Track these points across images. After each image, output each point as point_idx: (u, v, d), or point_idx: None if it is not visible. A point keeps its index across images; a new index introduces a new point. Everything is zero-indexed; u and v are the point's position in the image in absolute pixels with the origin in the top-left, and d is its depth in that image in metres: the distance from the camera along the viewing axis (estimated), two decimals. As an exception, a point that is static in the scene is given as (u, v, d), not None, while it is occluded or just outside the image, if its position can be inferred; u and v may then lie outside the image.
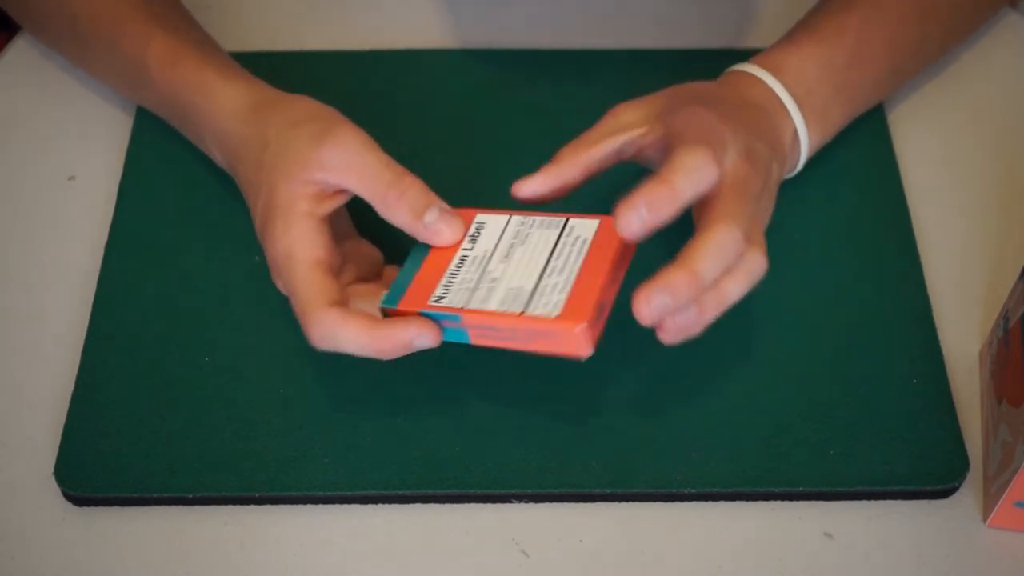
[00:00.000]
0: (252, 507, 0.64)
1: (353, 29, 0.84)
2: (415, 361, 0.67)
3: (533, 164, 0.75)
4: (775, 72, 0.70)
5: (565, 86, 0.80)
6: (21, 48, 0.83)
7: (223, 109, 0.69)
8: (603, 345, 0.68)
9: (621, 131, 0.67)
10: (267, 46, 0.82)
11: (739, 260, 0.60)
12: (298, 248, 0.62)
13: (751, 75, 0.71)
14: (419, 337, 0.61)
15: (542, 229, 0.63)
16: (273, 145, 0.65)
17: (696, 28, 0.84)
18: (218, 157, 0.71)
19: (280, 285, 0.65)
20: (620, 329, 0.69)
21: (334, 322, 0.61)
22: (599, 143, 0.66)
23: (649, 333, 0.68)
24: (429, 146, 0.77)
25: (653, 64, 0.81)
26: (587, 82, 0.80)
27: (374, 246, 0.68)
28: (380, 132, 0.77)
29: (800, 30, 0.74)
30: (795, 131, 0.70)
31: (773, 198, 0.67)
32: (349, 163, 0.63)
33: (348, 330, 0.61)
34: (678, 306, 0.59)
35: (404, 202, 0.63)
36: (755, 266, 0.61)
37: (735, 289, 0.61)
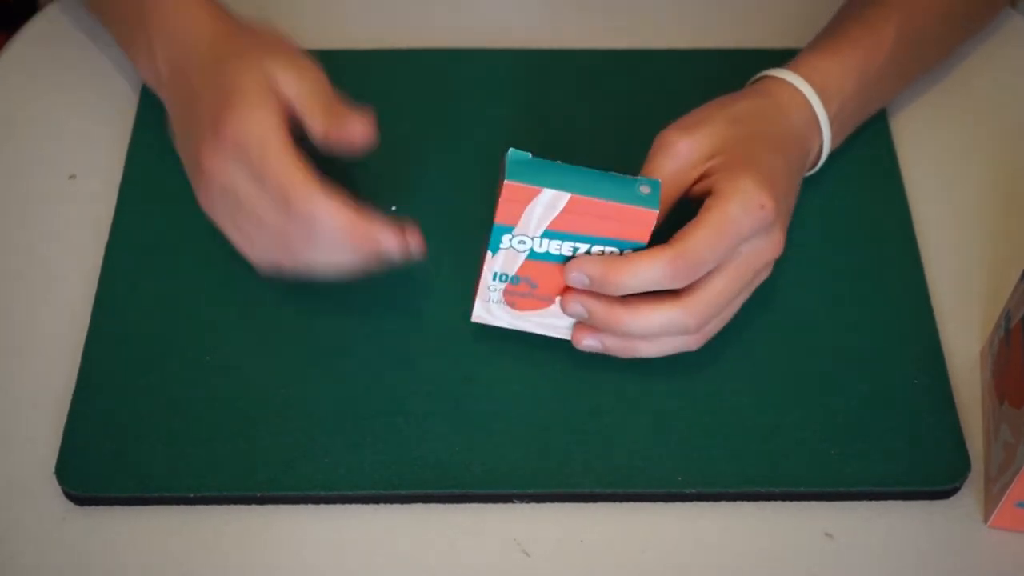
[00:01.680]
0: (253, 507, 0.64)
1: (353, 28, 0.84)
2: (416, 361, 0.67)
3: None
4: (819, 90, 0.69)
5: (566, 86, 0.80)
6: (21, 47, 0.83)
7: (193, 24, 0.68)
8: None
9: (684, 172, 0.65)
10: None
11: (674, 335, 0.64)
12: (276, 135, 0.62)
13: (795, 90, 0.69)
14: (389, 240, 0.62)
15: None
16: (265, 42, 0.67)
17: (702, 27, 0.84)
18: (160, 54, 0.70)
19: (216, 194, 0.64)
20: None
21: (321, 198, 0.61)
22: (671, 200, 0.65)
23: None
24: (430, 146, 0.77)
25: (656, 64, 0.81)
26: (589, 82, 0.80)
27: None
28: (380, 131, 0.77)
29: (840, 38, 0.72)
30: (821, 147, 0.71)
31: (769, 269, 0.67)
32: (314, 86, 0.65)
33: (331, 212, 0.61)
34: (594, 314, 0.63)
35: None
36: (682, 346, 0.64)
37: (648, 349, 0.64)
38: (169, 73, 0.69)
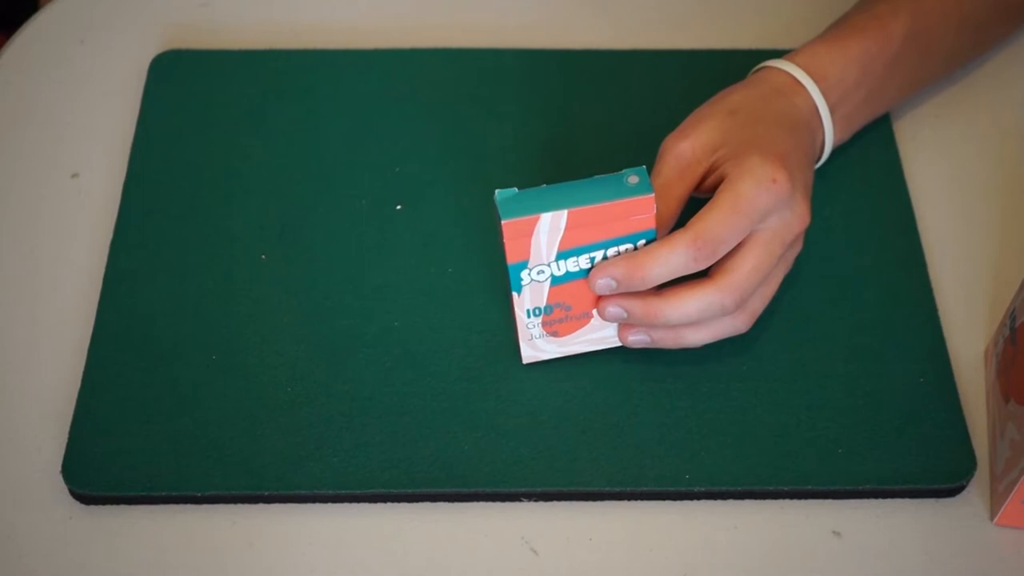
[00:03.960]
0: (260, 506, 0.64)
1: (354, 28, 0.84)
2: (424, 360, 0.67)
3: (533, 164, 0.75)
4: (818, 80, 0.70)
5: (567, 86, 0.80)
6: (23, 45, 0.83)
7: None
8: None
9: (690, 169, 0.66)
10: (265, 44, 0.82)
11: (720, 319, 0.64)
12: None
13: (792, 78, 0.70)
14: None
15: None
16: None
17: (703, 28, 0.84)
18: None
19: None
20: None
21: None
22: (682, 195, 0.66)
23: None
24: (433, 145, 0.77)
25: (657, 64, 0.81)
26: (591, 82, 0.80)
27: None
28: (379, 131, 0.77)
29: (846, 29, 0.72)
30: (823, 140, 0.71)
31: (801, 242, 0.67)
32: None
33: None
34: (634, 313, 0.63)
35: None
36: (730, 330, 0.65)
37: (694, 336, 0.65)
38: None
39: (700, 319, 0.63)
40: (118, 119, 0.79)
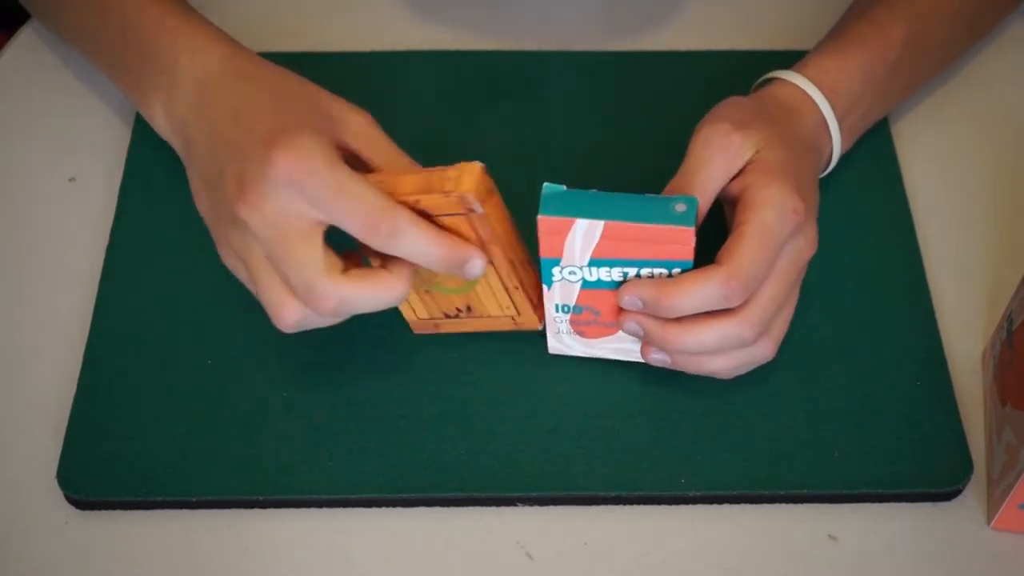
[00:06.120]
0: (256, 510, 0.64)
1: (351, 30, 0.84)
2: (419, 364, 0.67)
3: (532, 168, 0.75)
4: (828, 92, 0.69)
5: (570, 88, 0.80)
6: (21, 49, 0.83)
7: (213, 54, 0.66)
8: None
9: (733, 163, 0.64)
10: (265, 48, 0.82)
11: (740, 347, 0.63)
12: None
13: (804, 93, 0.69)
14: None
15: None
16: (294, 89, 0.64)
17: (705, 29, 0.84)
18: (178, 110, 0.66)
19: (246, 267, 0.61)
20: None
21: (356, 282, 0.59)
22: (718, 189, 0.64)
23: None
24: (433, 149, 0.77)
25: (658, 66, 0.81)
26: (593, 84, 0.80)
27: None
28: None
29: (848, 39, 0.72)
30: (831, 153, 0.71)
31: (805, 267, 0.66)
32: (373, 136, 0.63)
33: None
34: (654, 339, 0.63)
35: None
36: (756, 358, 0.64)
37: (716, 364, 0.64)
38: (181, 116, 0.66)
39: (718, 350, 0.63)
40: (115, 123, 0.79)
